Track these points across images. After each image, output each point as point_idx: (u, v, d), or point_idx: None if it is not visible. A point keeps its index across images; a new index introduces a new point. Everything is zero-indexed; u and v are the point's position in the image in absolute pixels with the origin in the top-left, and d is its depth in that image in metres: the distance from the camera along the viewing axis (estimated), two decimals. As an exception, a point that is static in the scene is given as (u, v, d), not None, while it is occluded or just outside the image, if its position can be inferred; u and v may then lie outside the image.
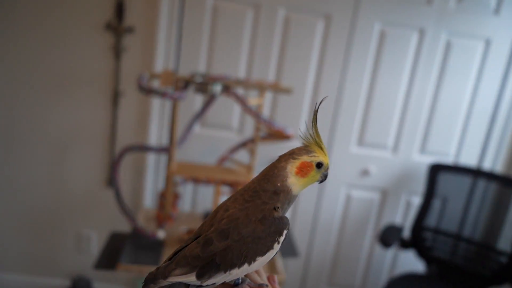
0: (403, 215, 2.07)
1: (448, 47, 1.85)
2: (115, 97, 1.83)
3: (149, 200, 1.96)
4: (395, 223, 1.98)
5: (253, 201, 0.42)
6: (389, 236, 1.71)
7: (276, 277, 0.47)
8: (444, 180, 1.87)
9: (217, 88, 1.33)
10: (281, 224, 0.42)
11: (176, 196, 1.46)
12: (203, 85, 1.33)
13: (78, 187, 1.94)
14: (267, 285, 0.45)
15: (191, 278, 0.40)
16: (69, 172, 1.92)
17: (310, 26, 1.81)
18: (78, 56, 1.78)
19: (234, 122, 1.89)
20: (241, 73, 1.84)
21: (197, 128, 1.88)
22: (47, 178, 1.92)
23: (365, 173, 1.99)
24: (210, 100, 1.51)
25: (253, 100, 1.34)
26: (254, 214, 0.41)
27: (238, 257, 0.40)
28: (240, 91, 1.72)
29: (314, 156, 0.44)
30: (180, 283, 0.41)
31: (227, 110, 1.87)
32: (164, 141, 1.89)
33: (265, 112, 1.85)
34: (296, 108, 1.89)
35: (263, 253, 0.41)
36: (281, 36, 1.82)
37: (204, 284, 0.41)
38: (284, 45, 1.82)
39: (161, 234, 1.37)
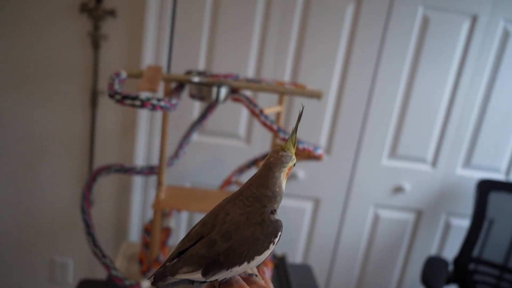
0: (440, 240, 1.73)
1: (506, 37, 1.50)
2: (94, 96, 1.48)
3: (135, 229, 1.62)
4: (435, 255, 1.64)
5: (253, 205, 0.46)
6: (434, 275, 1.37)
7: (266, 270, 0.52)
8: (495, 200, 1.54)
9: (222, 91, 0.98)
10: (277, 227, 0.46)
11: (167, 233, 1.11)
12: (203, 86, 0.98)
13: (50, 206, 1.60)
14: (256, 275, 0.49)
15: (197, 275, 0.44)
16: (38, 189, 1.58)
17: (336, 11, 1.45)
18: (46, 45, 1.43)
19: (241, 128, 1.54)
20: (249, 70, 1.48)
21: (194, 135, 1.53)
22: (12, 197, 1.58)
23: (398, 190, 1.65)
24: (211, 106, 1.15)
25: (269, 108, 0.99)
26: (254, 218, 0.45)
27: (239, 256, 0.44)
28: (247, 93, 1.36)
29: (294, 159, 0.48)
30: (185, 279, 0.45)
31: (231, 113, 1.52)
32: (155, 151, 1.55)
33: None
34: (317, 114, 1.54)
35: (260, 253, 0.45)
36: (299, 24, 1.46)
37: (208, 280, 0.45)
38: (303, 35, 1.47)
39: (145, 285, 1.03)
